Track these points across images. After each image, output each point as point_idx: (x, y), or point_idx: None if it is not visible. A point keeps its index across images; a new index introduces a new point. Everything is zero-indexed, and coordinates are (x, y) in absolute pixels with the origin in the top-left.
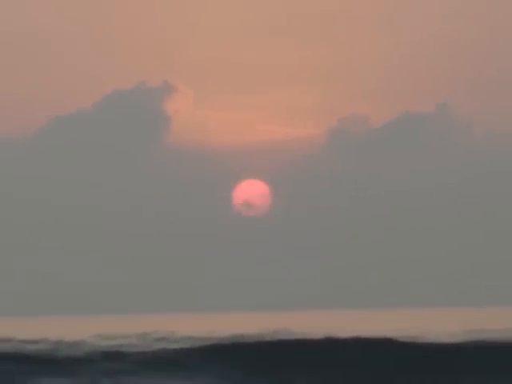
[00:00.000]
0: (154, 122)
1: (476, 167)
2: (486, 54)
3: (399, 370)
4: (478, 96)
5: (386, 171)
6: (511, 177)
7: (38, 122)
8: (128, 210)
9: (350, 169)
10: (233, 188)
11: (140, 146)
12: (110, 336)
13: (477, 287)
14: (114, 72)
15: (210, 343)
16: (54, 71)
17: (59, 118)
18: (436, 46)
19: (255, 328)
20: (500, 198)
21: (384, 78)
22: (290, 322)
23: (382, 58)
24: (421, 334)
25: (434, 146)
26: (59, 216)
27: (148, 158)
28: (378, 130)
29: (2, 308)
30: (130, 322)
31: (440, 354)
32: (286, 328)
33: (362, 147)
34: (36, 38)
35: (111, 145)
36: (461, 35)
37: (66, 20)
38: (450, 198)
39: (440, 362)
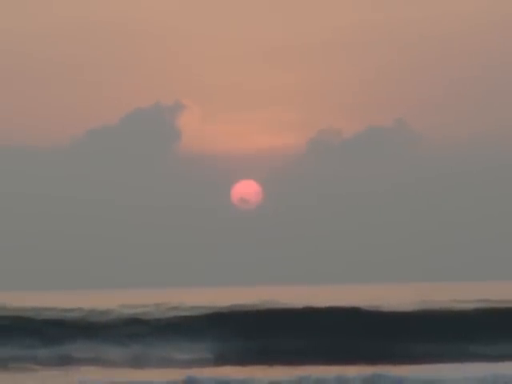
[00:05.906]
0: (168, 135)
1: (426, 171)
2: (436, 77)
3: (364, 332)
4: (428, 112)
5: (355, 174)
6: (454, 179)
7: (73, 133)
8: (146, 205)
9: (325, 172)
10: (231, 187)
11: (156, 154)
12: (132, 305)
13: (429, 265)
14: (135, 93)
15: (212, 312)
16: (86, 92)
17: (90, 131)
18: (393, 71)
19: (250, 299)
20: (445, 196)
21: (353, 98)
22: (277, 294)
23: (351, 81)
24: (382, 304)
25: (392, 153)
26: (89, 209)
27: (162, 164)
28: (349, 140)
29: (47, 283)
30: (148, 294)
31: (397, 319)
32: (274, 299)
33: (335, 154)
34: (73, 66)
35: (132, 153)
36: (414, 63)
37: (95, 51)
38: (404, 196)
39: (397, 327)
